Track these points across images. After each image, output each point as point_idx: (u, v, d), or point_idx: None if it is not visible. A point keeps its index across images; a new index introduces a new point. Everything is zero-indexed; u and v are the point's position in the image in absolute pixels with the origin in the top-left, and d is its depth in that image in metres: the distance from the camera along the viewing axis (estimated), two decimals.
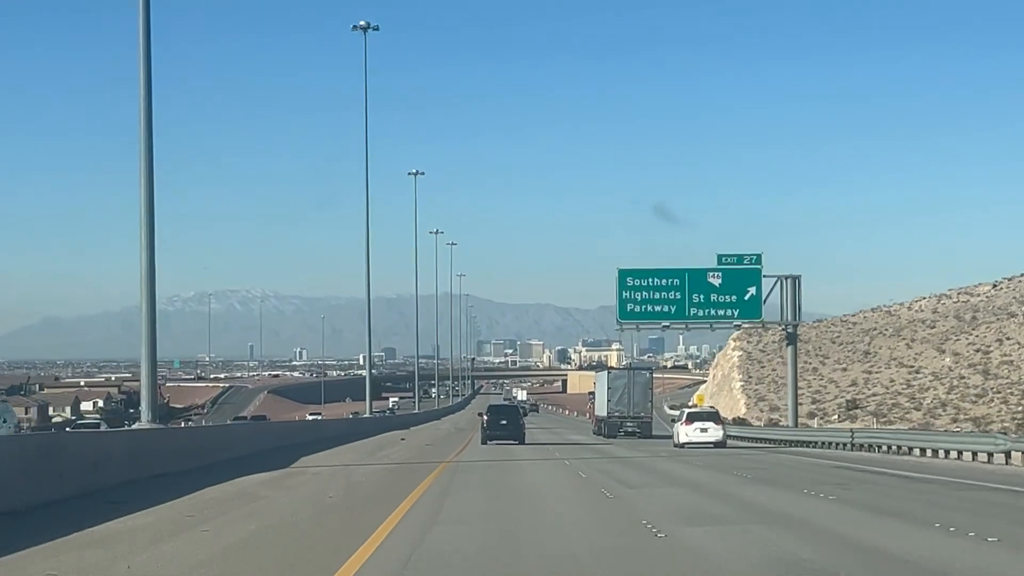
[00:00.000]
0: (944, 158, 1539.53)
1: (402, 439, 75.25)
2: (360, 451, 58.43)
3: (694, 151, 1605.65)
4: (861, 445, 56.08)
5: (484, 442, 66.14)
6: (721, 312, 79.72)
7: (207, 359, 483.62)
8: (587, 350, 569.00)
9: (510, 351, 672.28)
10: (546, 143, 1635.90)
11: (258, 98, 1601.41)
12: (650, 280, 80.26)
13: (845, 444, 57.98)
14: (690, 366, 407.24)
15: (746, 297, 79.27)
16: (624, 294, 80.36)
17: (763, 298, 79.85)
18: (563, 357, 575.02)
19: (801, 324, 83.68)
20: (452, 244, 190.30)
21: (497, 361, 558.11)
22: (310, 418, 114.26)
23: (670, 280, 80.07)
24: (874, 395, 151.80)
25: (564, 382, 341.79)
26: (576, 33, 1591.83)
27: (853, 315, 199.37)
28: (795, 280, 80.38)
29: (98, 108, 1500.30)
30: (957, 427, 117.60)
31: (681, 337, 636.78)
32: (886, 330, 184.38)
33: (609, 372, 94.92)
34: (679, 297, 79.77)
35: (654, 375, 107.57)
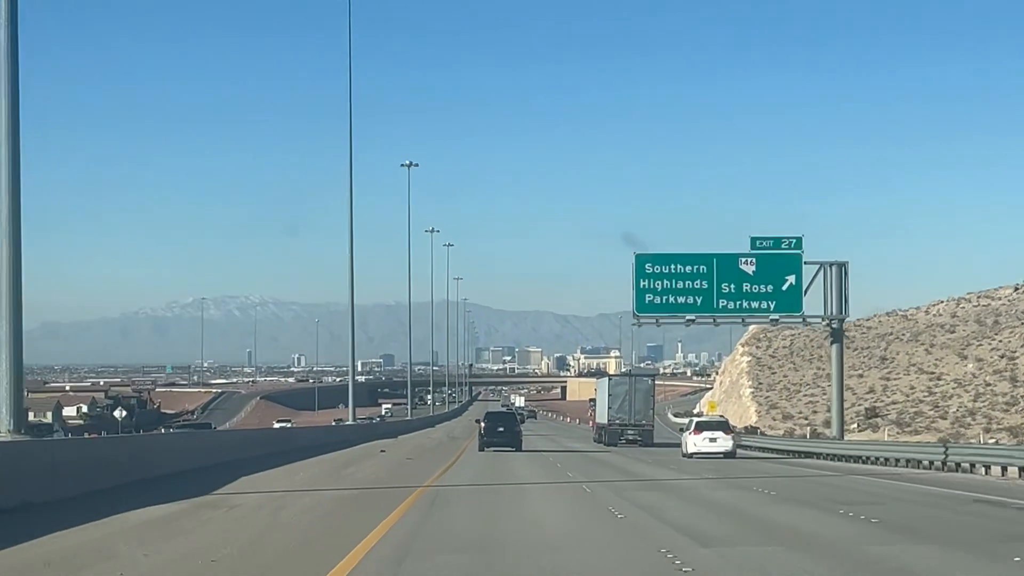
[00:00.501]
0: (954, 159, 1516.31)
1: (382, 451, 63.05)
2: (323, 467, 46.17)
3: (695, 155, 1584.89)
4: (957, 465, 43.20)
5: (481, 448, 64.31)
6: (755, 304, 67.45)
7: (204, 365, 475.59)
8: (585, 357, 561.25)
9: (508, 358, 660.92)
10: (546, 148, 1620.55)
11: (259, 102, 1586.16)
12: (672, 267, 67.90)
13: (931, 463, 44.91)
14: (688, 373, 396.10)
15: (784, 287, 67.09)
16: (642, 283, 68.05)
17: (804, 288, 67.54)
18: (561, 364, 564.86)
19: (846, 320, 70.92)
20: (449, 245, 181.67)
21: (495, 368, 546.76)
22: (277, 426, 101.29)
23: (695, 267, 67.75)
24: (894, 403, 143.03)
25: (563, 389, 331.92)
26: (577, 36, 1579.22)
27: (867, 319, 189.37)
28: (841, 267, 67.96)
29: (97, 108, 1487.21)
30: (991, 438, 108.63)
31: (680, 344, 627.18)
32: (903, 335, 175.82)
33: (610, 379, 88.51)
34: (706, 286, 67.52)
35: (656, 382, 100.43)
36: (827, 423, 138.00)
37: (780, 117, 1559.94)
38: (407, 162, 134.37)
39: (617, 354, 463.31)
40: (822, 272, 68.26)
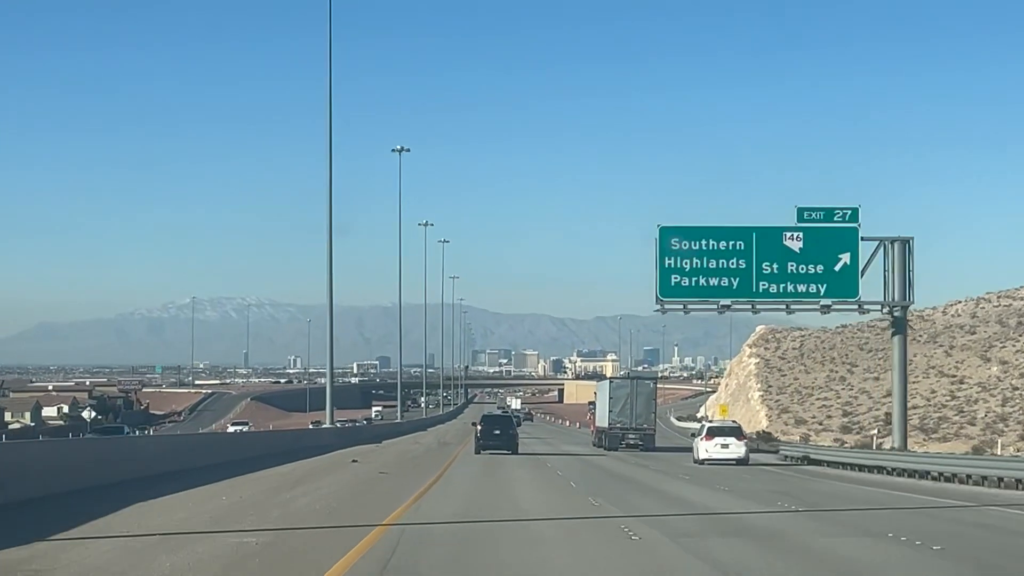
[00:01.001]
0: (968, 156, 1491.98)
1: (354, 460, 51.18)
2: (263, 486, 34.28)
3: (695, 161, 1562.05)
4: None
5: (478, 451, 61.53)
6: (802, 288, 55.55)
7: (200, 366, 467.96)
8: (582, 360, 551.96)
9: (504, 360, 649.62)
10: (544, 150, 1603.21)
11: (256, 103, 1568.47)
12: (704, 242, 55.92)
13: None
14: (685, 376, 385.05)
15: (837, 267, 55.25)
16: (667, 261, 56.04)
17: (861, 269, 55.52)
18: (558, 367, 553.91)
19: (909, 307, 58.44)
20: (444, 241, 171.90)
21: (491, 371, 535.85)
22: (232, 430, 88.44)
23: (732, 243, 55.79)
24: (915, 407, 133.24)
25: (561, 391, 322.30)
26: (577, 39, 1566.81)
27: (881, 320, 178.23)
28: (905, 244, 55.96)
29: (94, 111, 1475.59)
30: None
31: (676, 347, 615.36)
32: (920, 336, 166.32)
33: (611, 381, 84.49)
34: (744, 266, 55.63)
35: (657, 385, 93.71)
36: (844, 428, 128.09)
37: (785, 122, 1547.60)
38: (398, 147, 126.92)
39: (614, 357, 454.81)
40: (882, 250, 56.25)
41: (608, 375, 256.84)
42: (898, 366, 57.18)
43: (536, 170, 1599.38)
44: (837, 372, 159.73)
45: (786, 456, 62.53)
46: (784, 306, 56.81)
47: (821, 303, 56.04)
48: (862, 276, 55.91)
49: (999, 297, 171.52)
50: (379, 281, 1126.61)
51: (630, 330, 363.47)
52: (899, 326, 57.34)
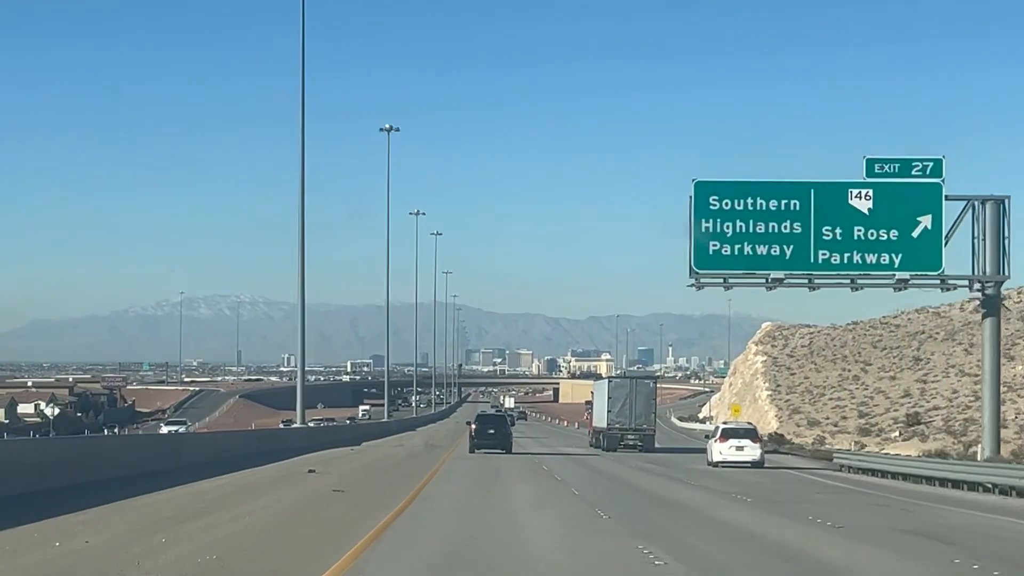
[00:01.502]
0: (978, 149, 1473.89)
1: (310, 471, 39.77)
2: (147, 516, 22.92)
3: (692, 164, 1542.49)
4: None
5: (472, 451, 61.49)
6: (872, 258, 44.28)
7: (194, 363, 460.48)
8: (576, 360, 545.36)
9: (499, 360, 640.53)
10: (541, 150, 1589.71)
11: (250, 102, 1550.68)
12: (750, 201, 44.55)
13: None
14: (678, 377, 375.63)
15: (915, 232, 44.06)
16: (704, 225, 44.71)
17: (944, 235, 44.06)
18: (552, 367, 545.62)
19: (1004, 283, 46.38)
20: (436, 234, 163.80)
21: (485, 370, 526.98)
22: (165, 430, 76.52)
23: (784, 202, 44.47)
24: (936, 408, 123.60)
25: (556, 391, 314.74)
26: (572, 39, 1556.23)
27: (895, 316, 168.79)
28: (999, 205, 44.52)
29: (87, 110, 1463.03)
30: None
31: (671, 348, 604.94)
32: (936, 334, 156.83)
33: (610, 381, 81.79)
34: (800, 231, 44.41)
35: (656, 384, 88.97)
36: (862, 431, 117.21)
37: (782, 114, 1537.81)
38: (387, 126, 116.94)
39: (608, 357, 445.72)
40: (970, 211, 44.76)
41: (603, 375, 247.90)
42: (990, 357, 45.53)
43: (533, 169, 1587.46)
44: (850, 371, 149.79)
45: (841, 466, 51.96)
46: (849, 280, 45.26)
47: (896, 277, 44.54)
48: (946, 244, 44.52)
49: (1019, 292, 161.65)
50: (374, 280, 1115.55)
51: (626, 330, 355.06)
52: (991, 306, 45.69)
